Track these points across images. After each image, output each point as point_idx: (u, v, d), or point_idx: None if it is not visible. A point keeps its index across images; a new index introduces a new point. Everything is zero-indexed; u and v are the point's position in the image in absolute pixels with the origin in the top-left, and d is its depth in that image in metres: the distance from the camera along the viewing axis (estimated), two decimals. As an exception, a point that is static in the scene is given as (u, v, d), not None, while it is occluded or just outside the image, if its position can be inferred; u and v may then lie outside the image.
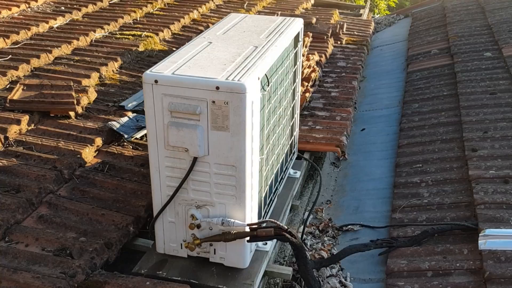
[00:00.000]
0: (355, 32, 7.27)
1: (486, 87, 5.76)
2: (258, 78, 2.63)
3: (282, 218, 3.42)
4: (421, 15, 9.93)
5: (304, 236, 3.83)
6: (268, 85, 2.80)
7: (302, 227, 3.78)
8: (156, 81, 2.52)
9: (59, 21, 6.05)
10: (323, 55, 5.77)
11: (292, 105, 3.59)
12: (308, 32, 5.11)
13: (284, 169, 3.56)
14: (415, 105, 6.02)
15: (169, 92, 2.51)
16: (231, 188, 2.63)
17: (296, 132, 3.88)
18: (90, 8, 6.67)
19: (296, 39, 3.52)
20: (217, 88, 2.47)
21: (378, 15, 13.59)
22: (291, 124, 3.61)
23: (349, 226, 4.05)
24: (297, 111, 3.78)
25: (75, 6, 6.61)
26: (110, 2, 7.10)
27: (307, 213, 4.00)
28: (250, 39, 3.09)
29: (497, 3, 8.71)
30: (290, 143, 3.67)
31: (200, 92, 2.49)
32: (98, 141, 3.79)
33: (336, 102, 5.07)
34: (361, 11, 8.75)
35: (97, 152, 3.75)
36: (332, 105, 5.01)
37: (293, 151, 3.85)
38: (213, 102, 2.49)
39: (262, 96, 2.71)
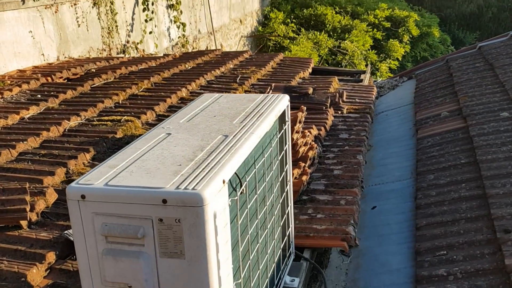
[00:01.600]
0: (356, 100, 6.72)
1: (509, 152, 5.08)
2: (224, 181, 1.99)
3: None
4: (425, 76, 9.43)
5: None
6: (241, 186, 2.17)
7: None
8: (83, 197, 1.89)
9: (32, 111, 5.56)
10: (322, 128, 5.18)
11: (282, 199, 2.93)
12: (302, 106, 4.53)
13: (277, 281, 2.85)
14: (430, 176, 5.33)
15: (101, 210, 1.88)
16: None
17: (291, 229, 3.20)
18: (69, 94, 6.21)
19: (282, 119, 2.92)
20: (164, 201, 1.83)
21: (380, 78, 13.18)
22: (282, 222, 2.93)
23: None
24: (291, 203, 3.11)
25: (52, 93, 6.15)
26: (92, 86, 6.66)
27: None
28: (220, 126, 2.48)
29: (505, 58, 8.18)
30: (283, 246, 2.98)
31: (142, 208, 1.85)
32: (51, 256, 3.13)
33: (340, 182, 4.41)
34: (362, 76, 8.27)
35: (48, 271, 3.08)
36: (335, 186, 4.35)
37: (288, 254, 3.15)
38: (161, 220, 1.85)
39: (231, 203, 2.06)
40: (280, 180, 2.87)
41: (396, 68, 16.22)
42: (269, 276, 2.70)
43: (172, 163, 2.10)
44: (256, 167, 2.40)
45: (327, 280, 3.88)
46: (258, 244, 2.48)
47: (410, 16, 17.53)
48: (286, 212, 3.02)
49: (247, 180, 2.28)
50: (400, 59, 16.30)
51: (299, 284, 3.14)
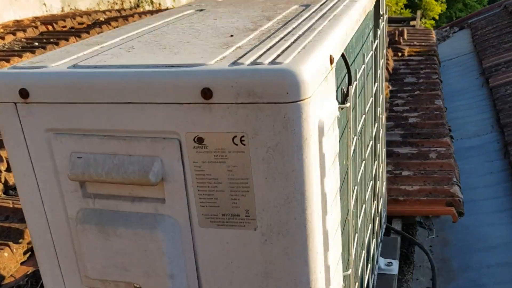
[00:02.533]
0: (415, 43, 5.55)
1: None
2: (331, 59, 0.90)
3: None
4: (481, 24, 8.25)
5: None
6: (351, 85, 1.08)
7: None
8: (24, 94, 0.82)
9: (26, 58, 4.50)
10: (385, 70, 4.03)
11: (373, 135, 1.82)
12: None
13: (372, 265, 1.77)
14: (519, 127, 4.17)
15: (66, 123, 0.81)
16: None
17: (383, 185, 2.12)
18: (72, 41, 5.13)
19: (377, 10, 1.81)
20: (206, 93, 0.75)
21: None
22: (374, 170, 1.83)
23: None
24: (383, 144, 2.02)
25: (51, 40, 5.08)
26: (100, 33, 5.56)
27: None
28: None
29: None
30: (377, 209, 1.89)
31: (155, 113, 0.77)
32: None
33: (421, 131, 3.30)
34: (412, 22, 7.05)
35: (28, 255, 2.06)
36: (415, 136, 3.24)
37: (381, 224, 2.07)
38: (199, 140, 0.76)
39: (341, 114, 0.98)
40: (370, 104, 1.75)
41: (432, 28, 14.87)
42: (368, 258, 1.62)
43: (215, 34, 1.02)
44: (357, 69, 1.29)
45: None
46: (363, 207, 1.40)
47: (447, -28, 16.06)
48: (378, 158, 1.91)
49: (358, 76, 1.19)
50: (437, 18, 14.91)
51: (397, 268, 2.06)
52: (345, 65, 1.09)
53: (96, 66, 0.90)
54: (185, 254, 0.92)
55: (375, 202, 1.85)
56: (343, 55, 1.06)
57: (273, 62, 0.82)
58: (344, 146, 1.11)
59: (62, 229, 0.98)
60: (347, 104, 1.05)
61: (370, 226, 1.63)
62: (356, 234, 1.28)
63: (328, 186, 0.90)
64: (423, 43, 5.61)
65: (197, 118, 0.83)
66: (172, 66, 0.85)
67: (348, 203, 1.13)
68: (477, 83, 5.95)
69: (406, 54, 5.06)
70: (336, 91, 0.99)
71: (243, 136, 0.82)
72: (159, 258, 0.90)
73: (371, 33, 1.76)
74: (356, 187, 1.24)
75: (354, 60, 1.31)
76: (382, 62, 1.91)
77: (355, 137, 1.20)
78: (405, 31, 5.34)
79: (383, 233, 2.16)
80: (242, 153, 0.83)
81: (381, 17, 1.91)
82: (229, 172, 0.85)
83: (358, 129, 1.24)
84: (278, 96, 0.79)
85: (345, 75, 1.11)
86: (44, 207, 0.97)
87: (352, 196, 1.16)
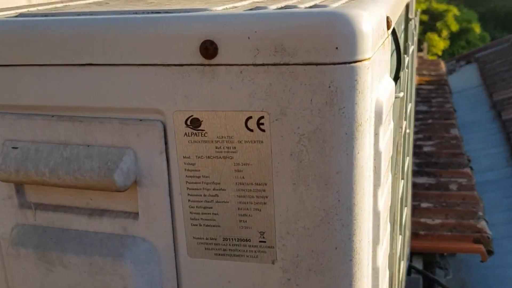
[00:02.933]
0: (424, 72, 5.33)
1: None
2: (389, 21, 0.61)
3: None
4: (489, 58, 8.15)
5: None
6: (402, 69, 0.80)
7: None
8: None
9: None
10: (395, 96, 3.78)
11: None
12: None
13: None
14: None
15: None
16: None
17: (406, 214, 1.81)
18: None
19: (406, 10, 1.55)
20: (208, 49, 0.46)
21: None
22: (400, 193, 1.53)
23: None
24: (410, 158, 1.72)
25: None
26: None
27: None
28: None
29: None
30: (403, 243, 1.58)
31: (128, 80, 0.48)
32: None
33: (437, 161, 3.02)
34: (419, 54, 6.87)
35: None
36: (432, 165, 2.96)
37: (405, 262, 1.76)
38: (193, 124, 0.47)
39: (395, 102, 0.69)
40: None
41: (441, 54, 14.77)
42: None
43: (221, -8, 0.74)
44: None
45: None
46: (399, 238, 1.10)
47: (449, 10, 16.07)
48: (405, 177, 1.61)
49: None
50: (440, 54, 14.83)
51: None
52: (395, 43, 0.80)
53: (46, 14, 0.61)
54: (165, 298, 0.61)
55: (400, 236, 1.54)
56: (393, 31, 0.78)
57: (313, 6, 0.53)
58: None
59: (-10, 254, 0.67)
60: (401, 94, 0.76)
61: (402, 264, 1.32)
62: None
63: (382, 201, 0.61)
64: (432, 73, 5.39)
65: (192, 89, 0.54)
66: (157, 12, 0.57)
67: (394, 231, 0.83)
68: (488, 116, 5.76)
69: (415, 83, 4.83)
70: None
71: (262, 117, 0.53)
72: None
73: (403, 35, 1.49)
74: (397, 211, 0.94)
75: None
76: (412, 71, 1.64)
77: (400, 142, 0.91)
78: (415, 60, 5.13)
79: (405, 272, 1.85)
80: (260, 143, 0.54)
81: (410, 21, 1.65)
82: (238, 173, 0.56)
83: (403, 130, 0.96)
84: (321, 53, 0.50)
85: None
86: (-35, 221, 0.67)
87: (397, 222, 0.86)
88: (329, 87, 0.50)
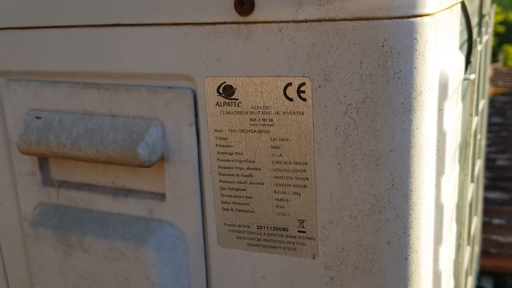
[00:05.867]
0: (498, 83, 5.04)
1: None
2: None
3: None
4: None
5: None
6: (474, 48, 0.70)
7: None
8: None
9: None
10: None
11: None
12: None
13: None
14: None
15: (18, 62, 0.46)
16: None
17: (476, 225, 1.66)
18: None
19: (480, 2, 1.42)
20: (244, 3, 0.38)
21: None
22: (470, 198, 1.39)
23: None
24: (480, 173, 1.57)
25: None
26: None
27: None
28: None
29: None
30: (472, 257, 1.44)
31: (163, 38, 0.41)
32: None
33: (512, 175, 2.81)
34: (494, 66, 6.53)
35: None
36: (507, 180, 2.75)
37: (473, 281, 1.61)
38: (226, 90, 0.40)
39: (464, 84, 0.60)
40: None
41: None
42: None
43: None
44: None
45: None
46: (467, 249, 0.98)
47: (528, 21, 15.31)
48: (472, 180, 1.47)
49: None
50: (516, 68, 14.10)
51: None
52: (465, 20, 0.71)
53: (77, -25, 0.56)
54: (191, 290, 0.54)
55: (468, 246, 1.41)
56: (463, 6, 0.68)
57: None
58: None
59: (14, 235, 0.63)
60: (472, 75, 0.66)
61: (470, 280, 1.19)
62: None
63: (446, 193, 0.52)
64: (508, 84, 5.09)
65: (225, 51, 0.47)
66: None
67: (461, 237, 0.73)
68: None
69: (490, 93, 4.56)
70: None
71: (303, 84, 0.46)
72: (146, 294, 0.53)
73: (476, 30, 1.38)
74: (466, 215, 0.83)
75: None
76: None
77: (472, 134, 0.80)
78: (489, 69, 4.85)
79: (473, 292, 1.70)
80: (300, 115, 0.46)
81: (484, 17, 1.52)
82: (275, 150, 0.48)
83: (473, 127, 0.85)
84: (374, 6, 0.42)
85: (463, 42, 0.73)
86: (-10, 199, 0.63)
87: (465, 228, 0.76)
88: (383, 46, 0.42)
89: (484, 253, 2.10)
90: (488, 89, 1.63)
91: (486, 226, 2.30)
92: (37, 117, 0.56)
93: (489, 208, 2.49)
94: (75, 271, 0.56)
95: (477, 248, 1.66)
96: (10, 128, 0.59)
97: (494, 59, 8.26)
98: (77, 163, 0.58)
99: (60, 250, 0.56)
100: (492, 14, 1.61)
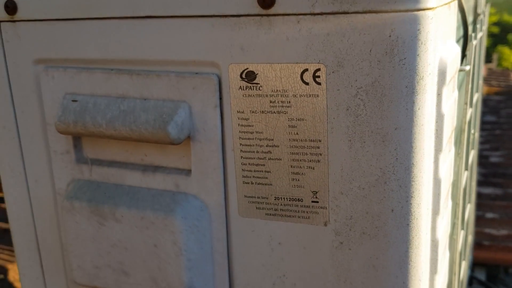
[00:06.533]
0: (492, 83, 5.11)
1: None
2: (453, -20, 0.58)
3: None
4: None
5: None
6: (470, 42, 0.76)
7: None
8: (10, 7, 0.55)
9: None
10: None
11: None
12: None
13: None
14: None
15: (56, 50, 0.52)
16: None
17: (469, 213, 1.73)
18: None
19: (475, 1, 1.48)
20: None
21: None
22: (464, 184, 1.46)
23: None
24: (473, 163, 1.64)
25: None
26: None
27: None
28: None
29: None
30: (465, 243, 1.51)
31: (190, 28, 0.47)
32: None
33: (505, 172, 2.87)
34: (488, 66, 6.61)
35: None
36: (499, 176, 2.82)
37: (466, 270, 1.67)
38: (248, 76, 0.46)
39: (461, 76, 0.66)
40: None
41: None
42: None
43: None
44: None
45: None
46: (461, 233, 1.05)
47: (522, 22, 15.40)
48: (469, 169, 1.54)
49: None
50: (511, 68, 14.20)
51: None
52: (461, 16, 0.77)
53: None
54: (214, 256, 0.60)
55: (463, 231, 1.47)
56: (460, 3, 0.74)
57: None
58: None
59: (48, 209, 0.69)
60: (467, 67, 0.72)
61: (464, 264, 1.26)
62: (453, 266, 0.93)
63: (443, 169, 0.58)
64: (501, 83, 5.17)
65: (248, 41, 0.53)
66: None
67: (455, 214, 0.79)
68: None
69: (483, 93, 4.63)
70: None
71: (318, 70, 0.52)
72: (174, 258, 0.59)
73: (471, 28, 1.44)
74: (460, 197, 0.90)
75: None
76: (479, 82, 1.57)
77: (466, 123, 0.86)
78: (483, 68, 4.93)
79: (467, 281, 1.76)
80: (315, 97, 0.52)
81: (479, 16, 1.58)
82: (292, 129, 0.54)
83: (467, 117, 0.91)
84: (382, 0, 0.48)
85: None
86: (26, 175, 0.69)
87: (460, 209, 0.82)
88: (390, 36, 0.48)
89: (478, 245, 2.17)
90: (482, 85, 1.69)
91: (479, 220, 2.37)
92: (73, 100, 0.61)
93: (483, 202, 2.56)
94: (107, 240, 0.62)
95: (470, 238, 1.72)
96: (47, 110, 0.64)
97: (489, 59, 8.35)
98: (109, 142, 0.63)
99: (94, 221, 0.62)
100: (486, 13, 1.67)
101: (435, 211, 0.57)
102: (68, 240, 0.65)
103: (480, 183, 2.83)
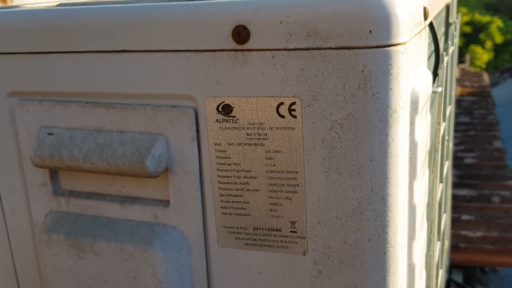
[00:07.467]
0: (466, 84, 5.21)
1: None
2: (426, 11, 0.60)
3: None
4: (534, 70, 7.91)
5: None
6: (441, 64, 0.78)
7: None
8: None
9: None
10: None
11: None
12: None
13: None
14: None
15: (30, 83, 0.52)
16: None
17: (445, 222, 1.76)
18: None
19: (447, 11, 1.51)
20: (240, 34, 0.46)
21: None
22: (439, 196, 1.48)
23: None
24: (448, 173, 1.67)
25: None
26: None
27: None
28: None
29: None
30: (442, 251, 1.53)
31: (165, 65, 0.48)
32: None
33: (479, 173, 2.93)
34: (461, 66, 6.73)
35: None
36: (474, 177, 2.87)
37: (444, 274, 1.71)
38: (225, 109, 0.46)
39: (432, 97, 0.68)
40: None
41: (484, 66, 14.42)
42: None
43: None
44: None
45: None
46: (437, 244, 1.07)
47: (493, 22, 15.71)
48: (444, 180, 1.57)
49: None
50: (484, 67, 14.48)
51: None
52: (433, 38, 0.79)
53: (84, 3, 0.62)
54: (194, 286, 0.61)
55: (439, 242, 1.50)
56: (431, 24, 0.76)
57: (347, -13, 0.52)
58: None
59: (25, 241, 0.69)
60: (439, 89, 0.74)
61: (441, 272, 1.28)
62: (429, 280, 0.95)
63: (418, 195, 0.59)
64: (475, 84, 5.26)
65: (223, 75, 0.54)
66: (190, -1, 0.57)
67: (432, 233, 0.81)
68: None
69: (457, 94, 4.72)
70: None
71: (293, 103, 0.52)
72: (154, 292, 0.59)
73: (443, 38, 1.47)
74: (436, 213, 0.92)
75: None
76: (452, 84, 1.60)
77: (440, 140, 0.88)
78: (456, 70, 5.02)
79: (445, 285, 1.79)
80: (291, 130, 0.53)
81: (451, 25, 1.61)
82: (269, 160, 0.55)
83: (441, 132, 0.93)
84: (354, 37, 0.49)
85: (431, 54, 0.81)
86: (3, 207, 0.68)
87: (435, 225, 0.84)
88: (363, 71, 0.49)
89: (454, 247, 2.21)
90: (454, 93, 1.72)
91: (455, 222, 2.41)
92: (49, 133, 0.61)
93: (458, 204, 2.61)
94: (86, 272, 0.62)
95: (447, 243, 1.75)
96: (22, 143, 0.64)
97: (461, 59, 8.50)
98: (86, 174, 0.63)
99: (72, 254, 0.62)
100: (458, 25, 1.70)
101: (411, 237, 0.58)
102: (47, 272, 0.64)
103: (455, 185, 2.88)
